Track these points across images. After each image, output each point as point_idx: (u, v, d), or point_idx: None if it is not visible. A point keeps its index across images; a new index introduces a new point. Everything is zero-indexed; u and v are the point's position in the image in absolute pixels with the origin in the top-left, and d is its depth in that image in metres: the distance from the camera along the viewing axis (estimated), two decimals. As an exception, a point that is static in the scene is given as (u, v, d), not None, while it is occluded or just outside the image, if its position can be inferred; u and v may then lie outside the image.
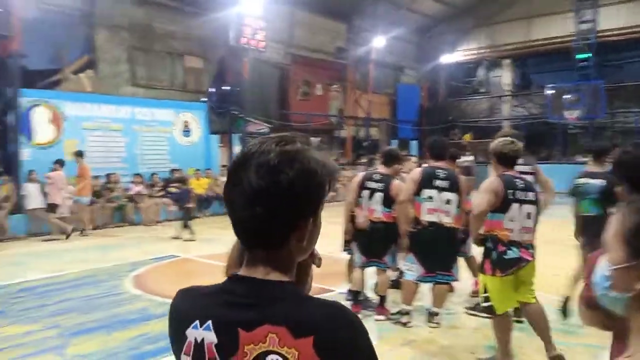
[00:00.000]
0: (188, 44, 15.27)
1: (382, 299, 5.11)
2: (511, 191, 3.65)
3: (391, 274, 5.46)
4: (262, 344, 0.86)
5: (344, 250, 5.59)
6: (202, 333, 0.91)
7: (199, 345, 0.91)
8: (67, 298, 5.99)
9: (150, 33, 14.56)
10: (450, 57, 23.30)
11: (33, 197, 10.37)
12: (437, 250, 4.70)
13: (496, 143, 3.87)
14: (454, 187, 4.73)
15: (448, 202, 4.69)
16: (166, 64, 15.29)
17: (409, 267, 4.80)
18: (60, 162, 10.33)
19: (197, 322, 0.92)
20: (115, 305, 5.69)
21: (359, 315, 0.98)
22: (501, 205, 3.64)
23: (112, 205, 11.64)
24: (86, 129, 11.85)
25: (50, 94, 11.62)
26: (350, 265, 5.52)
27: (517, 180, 3.73)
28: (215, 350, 0.89)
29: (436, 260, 4.72)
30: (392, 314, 5.01)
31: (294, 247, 0.94)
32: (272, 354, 0.85)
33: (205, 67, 16.00)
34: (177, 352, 0.96)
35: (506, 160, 3.78)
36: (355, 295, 5.22)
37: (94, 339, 4.63)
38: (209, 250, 8.30)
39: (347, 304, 4.85)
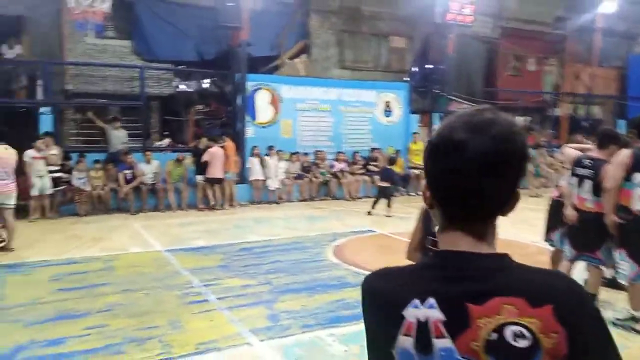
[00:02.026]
0: (393, 24, 15.42)
1: (593, 297, 4.56)
2: None
3: (608, 272, 4.85)
4: (497, 316, 0.84)
5: (545, 240, 5.14)
6: (426, 312, 0.89)
7: (423, 324, 0.89)
8: (277, 260, 6.72)
9: (358, 16, 15.09)
10: None
11: (255, 169, 11.79)
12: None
13: None
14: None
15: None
16: (371, 46, 15.70)
17: (622, 266, 4.18)
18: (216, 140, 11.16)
19: (417, 301, 0.90)
20: (317, 271, 6.19)
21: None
22: None
23: (318, 180, 12.56)
24: (299, 110, 12.94)
25: (270, 79, 12.96)
26: (555, 257, 5.05)
27: None
28: (443, 327, 0.88)
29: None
30: (618, 319, 4.42)
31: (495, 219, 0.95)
32: (511, 325, 0.84)
33: (408, 46, 16.01)
34: (390, 334, 0.93)
35: None
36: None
37: (298, 299, 5.12)
38: (404, 227, 8.42)
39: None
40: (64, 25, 11.45)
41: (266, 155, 11.96)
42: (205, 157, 10.82)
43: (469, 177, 0.88)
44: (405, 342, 0.91)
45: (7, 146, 7.25)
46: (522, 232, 7.55)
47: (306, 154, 12.71)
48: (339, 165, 12.73)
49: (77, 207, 9.98)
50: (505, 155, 0.88)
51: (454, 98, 14.73)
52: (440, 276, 0.90)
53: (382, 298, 0.96)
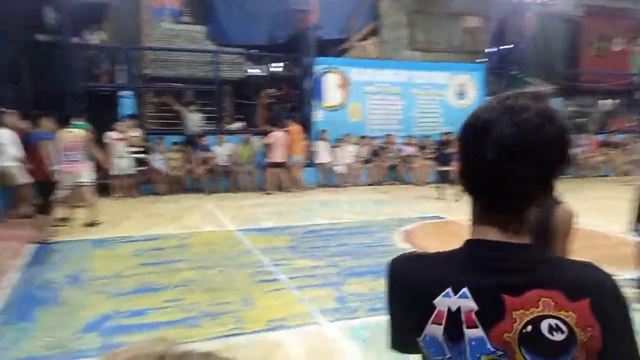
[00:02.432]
0: (467, 3, 14.86)
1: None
2: None
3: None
4: (534, 308, 0.83)
5: (632, 231, 4.82)
6: (458, 301, 0.88)
7: (454, 314, 0.88)
8: (344, 243, 6.77)
9: (430, -5, 14.68)
10: None
11: (322, 153, 11.88)
12: None
13: None
14: None
15: None
16: (444, 26, 15.24)
17: None
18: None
19: (449, 290, 0.89)
20: (383, 255, 6.17)
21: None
22: None
23: (386, 164, 12.46)
24: (368, 92, 12.84)
25: (338, 61, 12.93)
26: (642, 248, 4.73)
27: None
28: (475, 317, 0.86)
29: None
30: None
31: (530, 210, 0.90)
32: (547, 318, 0.83)
33: (484, 26, 15.39)
34: (418, 321, 0.92)
35: None
36: (646, 283, 4.48)
37: (364, 282, 5.15)
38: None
39: (634, 292, 4.22)
40: (143, 11, 11.96)
41: (335, 146, 11.99)
42: (266, 141, 11.04)
43: (492, 164, 0.85)
44: (435, 330, 0.90)
45: (75, 129, 7.76)
46: (604, 223, 7.14)
47: (375, 137, 12.62)
48: (409, 150, 12.56)
49: (156, 187, 10.52)
50: (530, 144, 0.84)
51: (532, 80, 14.05)
52: (474, 266, 0.89)
53: (412, 284, 0.94)
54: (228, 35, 12.76)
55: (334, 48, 13.62)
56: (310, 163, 11.92)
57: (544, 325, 0.82)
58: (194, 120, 11.42)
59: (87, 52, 11.69)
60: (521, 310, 0.84)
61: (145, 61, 12.22)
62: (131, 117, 10.58)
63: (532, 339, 0.83)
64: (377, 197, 10.67)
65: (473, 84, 13.70)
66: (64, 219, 7.67)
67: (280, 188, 11.15)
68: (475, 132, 0.88)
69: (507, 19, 14.33)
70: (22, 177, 7.60)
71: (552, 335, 0.82)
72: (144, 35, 12.14)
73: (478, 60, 14.44)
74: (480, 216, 0.92)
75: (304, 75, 12.22)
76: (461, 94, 13.62)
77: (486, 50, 14.86)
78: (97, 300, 4.65)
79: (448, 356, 0.89)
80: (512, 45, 13.88)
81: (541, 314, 0.83)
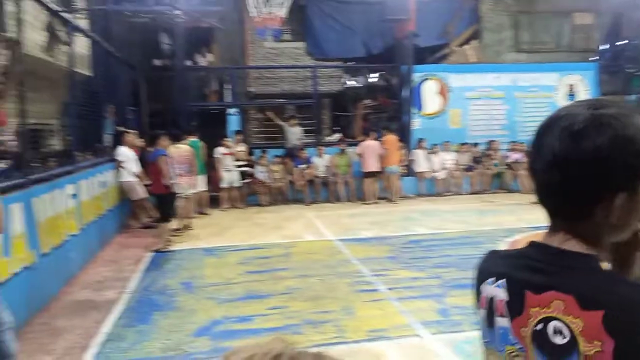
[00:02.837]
0: (576, 0, 13.92)
1: None
2: None
3: None
4: (546, 308, 0.85)
5: None
6: (494, 290, 0.95)
7: (490, 301, 0.96)
8: (447, 254, 6.59)
9: (534, -6, 13.95)
10: None
11: (421, 162, 11.69)
12: None
13: None
14: None
15: None
16: (551, 25, 14.37)
17: None
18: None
19: (492, 279, 0.96)
20: (489, 267, 5.92)
21: None
22: None
23: (490, 172, 11.96)
24: (469, 98, 12.45)
25: (437, 68, 12.68)
26: None
27: None
28: (505, 308, 0.92)
29: None
30: None
31: (601, 222, 0.86)
32: (554, 320, 0.84)
33: (596, 22, 14.29)
34: (476, 305, 1.03)
35: None
36: None
37: (469, 295, 4.97)
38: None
39: None
40: (247, 33, 12.63)
41: (432, 152, 11.78)
42: (357, 150, 11.09)
43: (544, 167, 0.88)
44: (481, 314, 1.00)
45: (182, 145, 8.44)
46: None
47: (476, 144, 12.19)
48: (515, 156, 11.95)
49: (260, 198, 10.99)
50: (574, 154, 0.83)
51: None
52: (520, 263, 0.93)
53: (478, 272, 1.04)
54: (326, 49, 13.07)
55: (432, 55, 13.39)
56: (409, 172, 11.78)
57: (550, 326, 0.84)
58: (295, 133, 11.79)
59: (197, 73, 12.57)
60: (537, 308, 0.86)
61: (249, 80, 12.89)
62: (237, 132, 11.20)
63: (540, 337, 0.86)
64: (481, 206, 10.27)
65: (584, 84, 12.75)
66: (177, 229, 8.26)
67: (378, 198, 11.12)
68: (534, 139, 0.92)
69: (622, 13, 13.19)
70: (140, 192, 8.35)
71: (555, 337, 0.83)
72: (248, 56, 12.82)
73: (590, 59, 13.42)
74: (549, 219, 0.94)
75: (402, 84, 12.14)
76: (571, 95, 12.73)
77: (599, 48, 13.77)
78: (208, 305, 4.95)
79: (487, 339, 0.98)
80: (628, 41, 12.74)
81: (550, 315, 0.84)
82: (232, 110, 11.88)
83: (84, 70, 7.99)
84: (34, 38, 6.02)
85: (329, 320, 4.43)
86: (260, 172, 11.03)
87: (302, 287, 5.40)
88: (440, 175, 11.71)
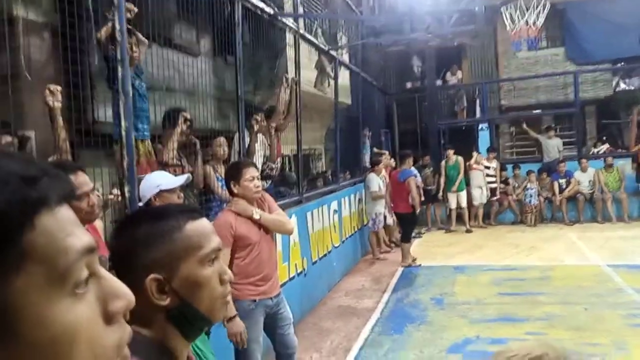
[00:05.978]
0: None
1: None
2: None
3: None
4: None
5: None
6: None
7: None
8: None
9: None
10: None
11: None
12: None
13: None
14: None
15: None
16: None
17: None
18: None
19: None
20: None
21: None
22: None
23: None
24: None
25: None
26: None
27: None
28: None
29: None
30: None
31: None
32: None
33: None
34: None
35: None
36: None
37: None
38: None
39: None
40: (499, 45, 12.26)
41: None
42: None
43: None
44: None
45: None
46: None
47: None
48: None
49: (513, 217, 10.43)
50: None
51: None
52: None
53: None
54: (589, 52, 11.77)
55: None
56: None
57: None
58: (554, 146, 10.87)
59: (447, 91, 12.73)
60: None
61: (501, 92, 12.46)
62: (490, 149, 10.80)
63: None
64: None
65: None
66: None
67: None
68: None
69: None
70: (389, 217, 8.52)
71: None
72: (501, 68, 12.42)
73: None
74: None
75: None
76: None
77: None
78: (460, 323, 4.96)
79: None
80: None
81: None
82: (482, 125, 11.62)
83: (345, 99, 8.88)
84: (308, 76, 6.98)
85: (596, 354, 3.98)
86: (513, 189, 10.50)
87: (563, 314, 4.96)
88: None
